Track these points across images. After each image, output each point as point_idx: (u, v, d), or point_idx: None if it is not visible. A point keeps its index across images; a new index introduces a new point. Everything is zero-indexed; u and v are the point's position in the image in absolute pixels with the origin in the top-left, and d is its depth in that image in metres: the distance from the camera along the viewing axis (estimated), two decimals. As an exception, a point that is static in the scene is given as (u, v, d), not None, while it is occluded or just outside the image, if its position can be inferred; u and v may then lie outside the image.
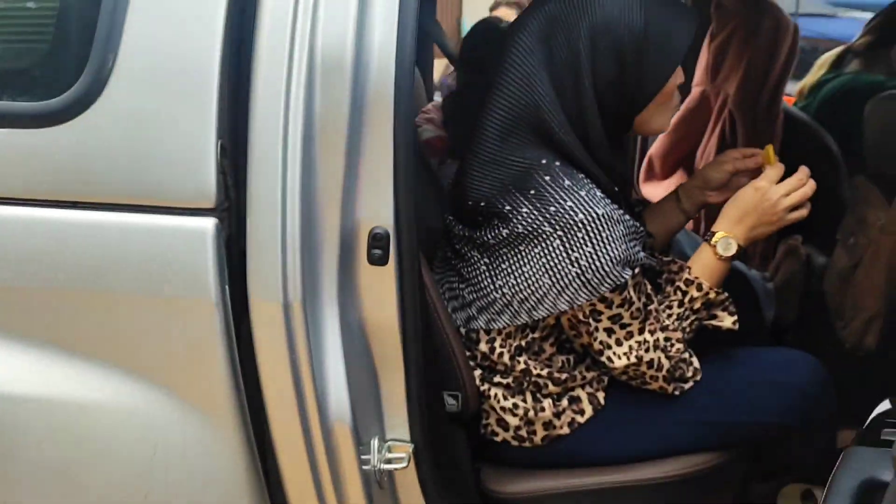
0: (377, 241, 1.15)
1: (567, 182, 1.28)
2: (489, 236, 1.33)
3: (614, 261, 1.26)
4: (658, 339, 1.34)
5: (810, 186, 1.37)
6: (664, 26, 1.29)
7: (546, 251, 1.28)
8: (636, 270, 1.30)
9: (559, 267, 1.27)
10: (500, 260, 1.33)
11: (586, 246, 1.25)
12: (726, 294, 1.39)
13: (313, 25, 1.07)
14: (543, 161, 1.31)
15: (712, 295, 1.38)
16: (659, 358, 1.35)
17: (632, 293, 1.31)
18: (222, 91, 1.08)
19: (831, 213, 2.28)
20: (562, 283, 1.28)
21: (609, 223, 1.26)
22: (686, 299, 1.38)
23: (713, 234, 1.40)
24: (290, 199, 1.09)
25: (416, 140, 1.25)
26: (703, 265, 1.39)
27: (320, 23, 1.07)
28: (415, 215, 1.17)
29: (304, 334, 1.11)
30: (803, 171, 1.38)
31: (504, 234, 1.31)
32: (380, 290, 1.18)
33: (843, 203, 2.24)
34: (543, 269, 1.28)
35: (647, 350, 1.34)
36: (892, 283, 1.68)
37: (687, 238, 2.08)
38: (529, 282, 1.30)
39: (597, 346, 1.35)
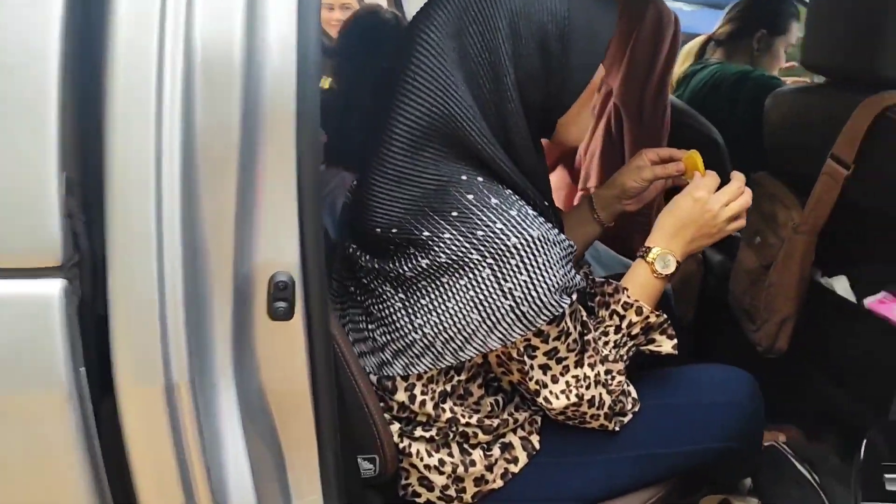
0: (280, 290, 0.91)
1: (494, 200, 1.09)
2: (405, 268, 1.12)
3: (552, 289, 1.08)
4: (598, 374, 1.19)
5: (748, 194, 1.26)
6: (587, 12, 1.13)
7: (474, 282, 1.08)
8: (573, 297, 1.14)
9: (490, 300, 1.08)
10: (420, 295, 1.12)
11: (520, 274, 1.07)
12: (665, 316, 1.25)
13: (189, 17, 0.80)
14: (464, 177, 1.11)
15: (652, 318, 1.24)
16: (600, 394, 1.19)
17: (568, 323, 1.14)
18: (64, 103, 0.79)
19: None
20: (493, 317, 1.09)
21: (545, 246, 1.08)
22: (624, 325, 1.24)
23: (648, 249, 1.25)
24: (168, 243, 0.82)
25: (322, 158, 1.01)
26: (640, 285, 1.25)
27: (198, 14, 0.81)
28: (324, 255, 0.93)
29: (194, 420, 0.84)
30: (740, 178, 1.27)
31: (423, 266, 1.10)
32: (285, 350, 0.93)
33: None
34: (472, 304, 1.09)
35: (587, 387, 1.18)
36: (804, 283, 1.62)
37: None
38: (455, 318, 1.10)
39: (532, 385, 1.17)
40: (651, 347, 1.26)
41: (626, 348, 1.24)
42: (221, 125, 0.84)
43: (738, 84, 2.38)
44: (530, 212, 1.10)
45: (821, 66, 1.57)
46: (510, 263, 1.07)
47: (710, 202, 1.24)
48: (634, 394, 1.25)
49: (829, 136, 1.49)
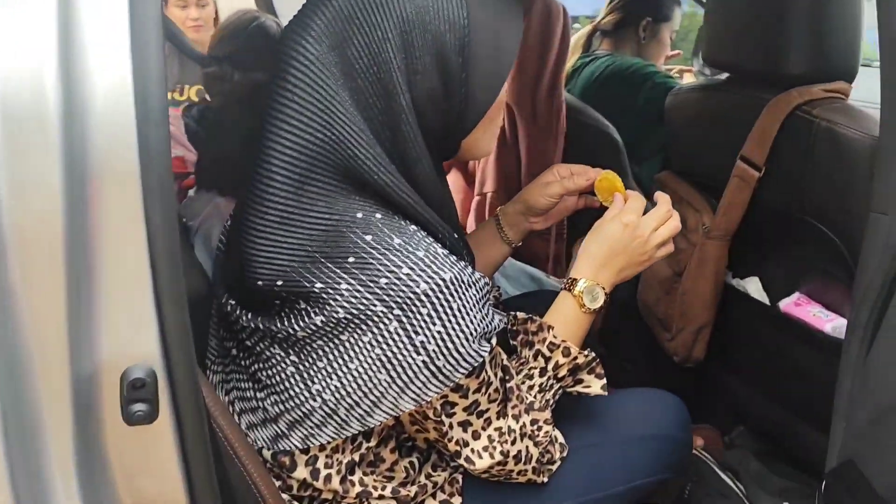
0: (137, 389, 0.72)
1: (397, 240, 0.93)
2: (296, 327, 0.95)
3: (470, 337, 0.94)
4: (524, 425, 1.06)
5: (677, 218, 1.15)
6: (490, 19, 0.98)
7: (380, 338, 0.92)
8: (493, 342, 1.00)
9: (400, 356, 0.93)
10: (316, 356, 0.96)
11: (434, 325, 0.92)
12: (594, 355, 1.13)
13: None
14: (360, 214, 0.95)
15: (580, 359, 1.11)
16: (526, 447, 1.06)
17: (488, 371, 1.00)
18: None
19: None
20: (405, 376, 0.94)
21: (459, 289, 0.93)
22: (550, 367, 1.11)
23: (574, 281, 1.13)
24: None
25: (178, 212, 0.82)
26: (566, 321, 1.12)
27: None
28: (192, 334, 0.75)
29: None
30: (665, 200, 1.16)
31: (318, 323, 0.94)
32: (150, 458, 0.75)
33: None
34: (379, 363, 0.93)
35: (512, 441, 1.04)
36: (719, 289, 1.55)
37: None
38: (360, 381, 0.94)
39: (452, 446, 1.03)
40: (579, 389, 1.14)
41: (552, 392, 1.11)
42: (37, 187, 0.64)
43: (633, 81, 2.31)
44: (440, 250, 0.95)
45: (723, 63, 1.49)
46: (421, 313, 0.92)
47: (641, 227, 1.12)
48: (562, 439, 1.13)
49: (737, 136, 1.41)
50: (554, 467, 1.12)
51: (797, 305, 1.47)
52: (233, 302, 1.04)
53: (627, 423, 1.22)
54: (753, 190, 1.40)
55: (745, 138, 1.39)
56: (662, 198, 1.16)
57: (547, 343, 1.10)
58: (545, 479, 1.11)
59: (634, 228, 1.12)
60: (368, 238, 0.93)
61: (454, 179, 2.35)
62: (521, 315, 1.15)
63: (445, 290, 0.92)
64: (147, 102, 0.68)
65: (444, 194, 1.04)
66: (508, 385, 1.04)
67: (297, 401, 0.98)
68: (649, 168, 2.33)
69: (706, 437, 1.75)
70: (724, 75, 1.57)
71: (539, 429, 1.08)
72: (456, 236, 1.04)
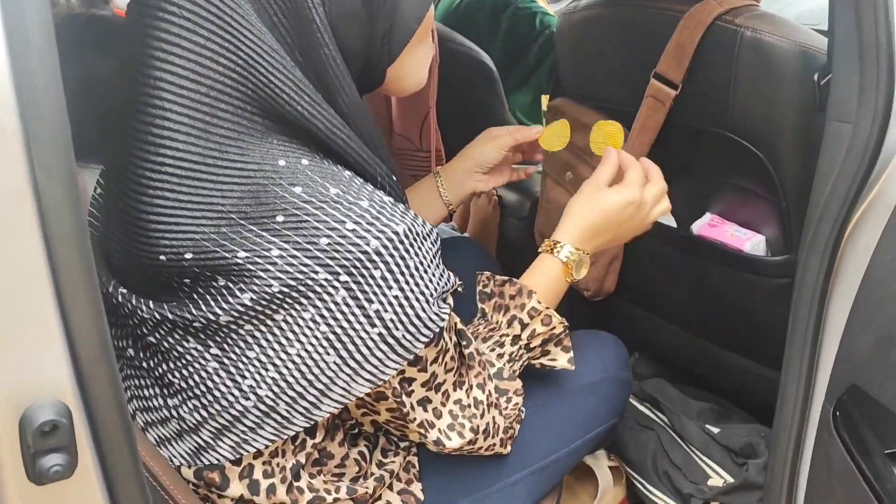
0: (49, 437, 0.51)
1: (333, 189, 0.76)
2: (217, 311, 0.76)
3: (430, 299, 0.80)
4: (490, 394, 0.93)
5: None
6: None
7: (325, 313, 0.76)
8: (451, 302, 0.86)
9: (351, 332, 0.77)
10: (245, 346, 0.77)
11: (390, 289, 0.77)
12: (566, 324, 1.02)
13: None
14: (282, 162, 0.76)
15: (558, 328, 1.00)
16: (493, 419, 0.94)
17: (445, 336, 0.86)
18: None
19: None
20: (358, 355, 0.78)
21: (415, 243, 0.78)
22: (525, 335, 0.99)
23: (558, 244, 1.01)
24: None
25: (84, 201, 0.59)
26: (548, 289, 1.02)
27: None
28: (114, 355, 0.55)
29: None
30: (654, 166, 1.10)
31: (246, 303, 0.75)
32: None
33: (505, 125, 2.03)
34: (326, 343, 0.77)
35: (481, 414, 0.91)
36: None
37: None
38: (303, 369, 0.77)
39: (415, 429, 0.88)
40: (544, 361, 1.03)
41: (520, 362, 0.99)
42: None
43: (494, 9, 2.19)
44: (385, 198, 0.79)
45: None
46: (374, 276, 0.75)
47: (643, 205, 1.05)
48: (520, 401, 1.01)
49: (647, 53, 1.32)
50: (516, 433, 1.00)
51: (712, 226, 1.43)
52: (124, 290, 0.82)
53: (575, 372, 1.13)
54: (669, 109, 1.32)
55: (655, 55, 1.30)
56: (651, 164, 1.08)
57: (528, 309, 0.98)
58: (509, 450, 1.00)
59: (638, 207, 1.03)
60: (298, 190, 0.75)
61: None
62: (498, 276, 1.02)
63: (400, 246, 0.76)
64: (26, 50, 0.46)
65: (374, 130, 0.87)
66: (467, 351, 0.91)
67: (224, 402, 0.79)
68: (517, 99, 2.23)
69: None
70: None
71: (508, 400, 0.96)
72: (395, 179, 0.88)
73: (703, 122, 1.32)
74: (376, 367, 0.78)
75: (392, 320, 0.77)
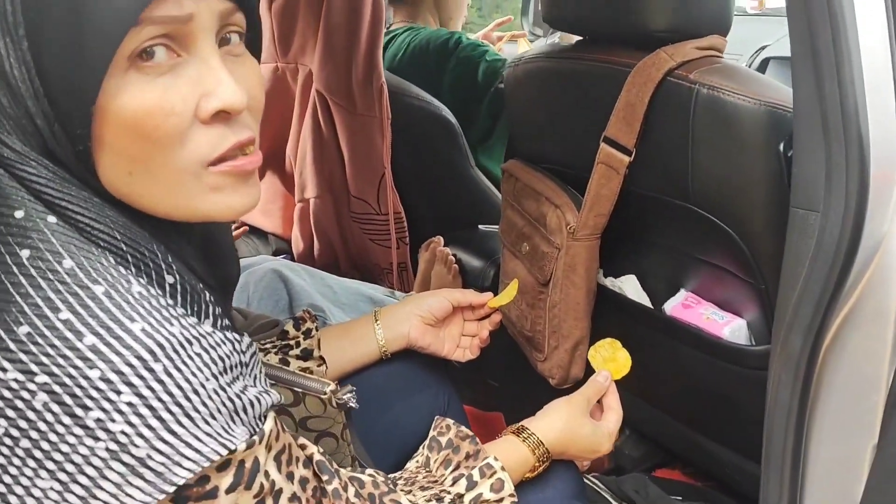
0: None
1: (65, 263, 0.58)
2: None
3: (211, 430, 0.60)
4: None
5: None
6: None
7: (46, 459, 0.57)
8: (268, 425, 0.65)
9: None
10: None
11: (119, 394, 0.56)
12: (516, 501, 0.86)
13: None
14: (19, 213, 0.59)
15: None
16: None
17: (272, 473, 0.65)
18: None
19: (462, 197, 1.88)
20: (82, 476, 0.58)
21: (187, 352, 0.59)
22: (469, 498, 0.82)
23: (533, 437, 0.92)
24: None
25: None
26: (512, 468, 0.88)
27: None
28: None
29: None
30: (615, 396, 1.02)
31: None
32: None
33: (471, 183, 1.86)
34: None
35: None
36: (592, 296, 1.28)
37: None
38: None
39: None
40: None
41: None
42: None
43: (438, 56, 2.00)
44: (134, 285, 0.59)
45: (568, 22, 1.21)
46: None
47: (612, 436, 0.99)
48: None
49: (596, 112, 1.14)
50: None
51: (686, 307, 1.23)
52: None
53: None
54: (623, 177, 1.13)
55: (604, 110, 1.12)
56: (614, 396, 1.01)
57: (480, 465, 0.84)
58: None
59: (609, 437, 0.97)
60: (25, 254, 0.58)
61: (270, 184, 1.98)
62: (462, 429, 0.88)
63: (169, 355, 0.58)
64: None
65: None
66: (330, 488, 0.71)
67: None
68: (484, 154, 2.04)
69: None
70: (557, 36, 1.30)
71: None
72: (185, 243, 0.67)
73: (663, 192, 1.12)
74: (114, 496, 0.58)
75: (125, 433, 0.57)
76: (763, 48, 2.28)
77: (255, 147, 0.65)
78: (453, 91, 1.91)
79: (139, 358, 0.56)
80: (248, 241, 1.96)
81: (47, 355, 0.56)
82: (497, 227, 1.63)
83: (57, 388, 0.56)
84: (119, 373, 0.56)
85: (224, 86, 0.59)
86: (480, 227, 1.81)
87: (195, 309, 0.63)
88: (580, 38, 1.23)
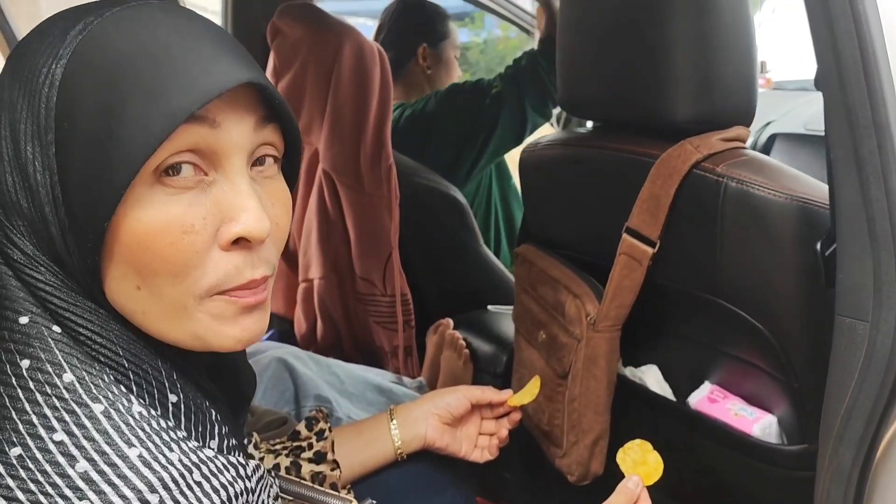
0: None
1: (65, 377, 0.55)
2: None
3: None
4: None
5: None
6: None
7: None
8: None
9: None
10: None
11: None
12: None
13: None
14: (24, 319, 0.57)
15: None
16: None
17: None
18: None
19: (471, 276, 1.84)
20: None
21: (186, 481, 0.55)
22: None
23: None
24: None
25: None
26: None
27: None
28: None
29: None
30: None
31: None
32: None
33: (480, 262, 1.82)
34: None
35: None
36: (612, 388, 1.23)
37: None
38: None
39: None
40: None
41: None
42: None
43: (430, 124, 2.00)
44: (135, 406, 0.56)
45: (586, 108, 1.19)
46: None
47: None
48: None
49: (617, 201, 1.10)
50: None
51: (712, 402, 1.18)
52: None
53: None
54: (647, 268, 1.09)
55: (626, 200, 1.08)
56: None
57: None
58: None
59: None
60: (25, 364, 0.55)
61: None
62: None
63: (174, 486, 0.54)
64: None
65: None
66: None
67: None
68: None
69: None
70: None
71: None
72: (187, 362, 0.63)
73: (690, 286, 1.08)
74: None
75: None
76: (768, 124, 2.28)
77: (267, 283, 0.62)
78: (437, 158, 1.90)
79: (134, 489, 0.52)
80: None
81: (36, 482, 0.52)
82: (507, 307, 1.59)
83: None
84: None
85: (249, 213, 0.56)
86: (490, 307, 1.76)
87: (199, 430, 0.60)
88: (596, 124, 1.20)
